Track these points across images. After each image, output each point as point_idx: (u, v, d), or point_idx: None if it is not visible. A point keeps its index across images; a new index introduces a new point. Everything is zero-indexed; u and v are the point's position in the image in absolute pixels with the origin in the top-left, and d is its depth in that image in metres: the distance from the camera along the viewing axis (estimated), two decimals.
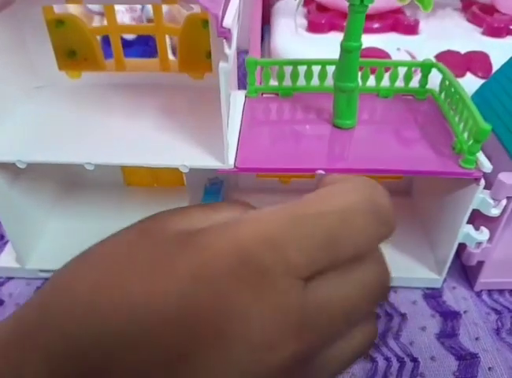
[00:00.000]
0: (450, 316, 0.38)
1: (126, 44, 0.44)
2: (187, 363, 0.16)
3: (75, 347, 0.16)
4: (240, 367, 0.16)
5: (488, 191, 0.34)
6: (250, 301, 0.16)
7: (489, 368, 0.34)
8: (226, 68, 0.28)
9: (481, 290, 0.40)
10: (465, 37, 0.53)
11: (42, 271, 0.41)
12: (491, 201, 0.34)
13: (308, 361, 0.17)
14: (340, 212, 0.17)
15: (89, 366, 0.16)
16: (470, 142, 0.32)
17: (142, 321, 0.16)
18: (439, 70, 0.39)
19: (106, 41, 0.43)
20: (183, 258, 0.17)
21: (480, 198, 0.34)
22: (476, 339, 0.36)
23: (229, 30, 0.27)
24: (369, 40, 0.43)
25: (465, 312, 0.38)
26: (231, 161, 0.34)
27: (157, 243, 0.19)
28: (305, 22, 0.54)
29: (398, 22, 0.52)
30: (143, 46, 0.71)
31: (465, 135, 0.34)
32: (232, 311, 0.16)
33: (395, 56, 0.50)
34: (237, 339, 0.16)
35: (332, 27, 0.52)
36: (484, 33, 0.53)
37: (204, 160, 0.34)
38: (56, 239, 0.43)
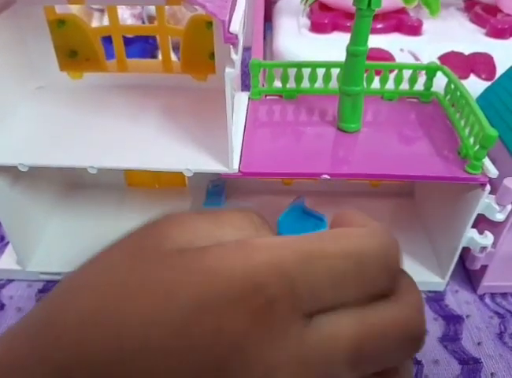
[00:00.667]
0: (452, 319, 0.38)
1: (125, 41, 0.43)
2: None
3: (89, 362, 0.16)
4: None
5: (493, 196, 0.34)
6: (249, 331, 0.15)
7: (492, 374, 0.34)
8: (232, 74, 0.28)
9: (484, 294, 0.40)
10: (469, 38, 0.53)
11: (42, 273, 0.41)
12: (497, 207, 0.34)
13: None
14: (355, 256, 0.17)
15: None
16: (476, 147, 0.32)
17: (136, 353, 0.15)
18: (445, 73, 0.38)
19: (106, 39, 0.43)
20: (188, 283, 0.16)
21: (486, 203, 0.34)
22: (479, 344, 0.36)
23: (236, 36, 0.26)
24: (372, 41, 0.42)
25: (467, 316, 0.38)
26: (235, 166, 0.33)
27: (155, 264, 0.17)
28: (308, 22, 0.54)
29: (402, 22, 0.52)
30: (143, 43, 0.71)
31: (471, 140, 0.34)
32: (235, 344, 0.15)
33: (398, 57, 0.49)
34: (238, 373, 0.15)
35: (335, 27, 0.52)
36: (487, 34, 0.53)
37: (208, 164, 0.34)
38: (57, 240, 0.43)
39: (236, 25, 0.27)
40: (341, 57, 0.35)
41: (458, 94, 0.37)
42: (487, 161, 0.33)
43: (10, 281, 0.41)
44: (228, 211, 0.21)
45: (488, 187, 0.33)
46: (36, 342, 0.17)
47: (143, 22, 0.71)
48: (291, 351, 0.15)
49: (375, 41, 0.48)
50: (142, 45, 0.70)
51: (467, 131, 0.35)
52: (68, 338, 0.16)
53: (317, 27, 0.52)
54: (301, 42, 0.51)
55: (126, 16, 0.70)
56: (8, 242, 0.43)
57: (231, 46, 0.27)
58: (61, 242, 0.43)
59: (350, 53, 0.33)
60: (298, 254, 0.16)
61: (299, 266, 0.16)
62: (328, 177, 0.33)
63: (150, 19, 0.71)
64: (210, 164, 0.34)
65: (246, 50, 0.55)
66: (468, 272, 0.42)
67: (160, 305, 0.16)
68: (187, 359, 0.15)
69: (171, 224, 0.19)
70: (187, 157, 0.34)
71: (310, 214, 0.45)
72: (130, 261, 0.18)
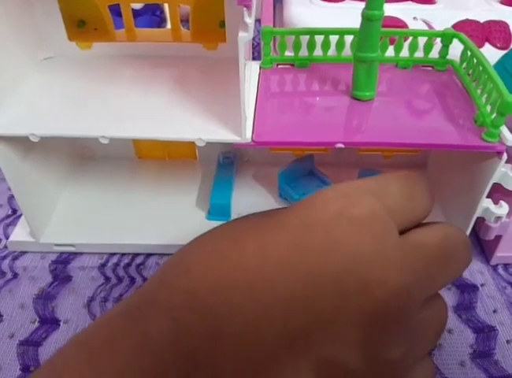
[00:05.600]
0: (466, 288, 0.38)
1: (132, 14, 0.42)
2: (302, 305, 0.16)
3: (199, 303, 0.17)
4: (353, 306, 0.16)
5: (510, 165, 0.33)
6: (362, 241, 0.17)
7: (507, 341, 0.34)
8: (246, 38, 0.28)
9: (497, 265, 0.40)
10: (484, 6, 0.51)
11: (56, 245, 0.41)
12: None
13: (410, 310, 0.18)
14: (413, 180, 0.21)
15: (214, 320, 0.16)
16: (494, 115, 0.32)
17: (257, 272, 0.16)
18: (461, 40, 0.37)
19: (114, 11, 0.42)
20: (291, 216, 0.18)
21: (502, 171, 0.33)
22: (494, 311, 0.36)
23: None
24: (385, 9, 0.42)
25: (481, 285, 0.38)
26: (248, 135, 0.33)
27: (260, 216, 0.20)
28: None
29: None
30: (150, 15, 0.70)
31: (488, 107, 0.33)
32: (346, 250, 0.17)
33: (412, 25, 0.48)
34: (351, 279, 0.16)
35: None
36: (502, 2, 0.51)
37: (220, 133, 0.33)
38: (69, 212, 0.43)
39: None
40: (353, 26, 0.34)
41: (475, 61, 0.36)
42: (504, 129, 0.33)
43: (24, 253, 0.41)
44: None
45: (505, 156, 0.32)
46: (167, 274, 0.20)
47: None
48: (397, 252, 0.17)
49: (388, 9, 0.47)
50: (149, 17, 0.69)
51: (484, 98, 0.34)
52: (198, 267, 0.18)
53: None
54: (312, 11, 0.50)
55: None
56: (20, 215, 0.43)
57: (244, 9, 0.27)
58: (74, 213, 0.43)
59: (366, 18, 0.32)
60: (377, 179, 0.20)
61: (380, 186, 0.19)
62: (343, 146, 0.33)
63: None
64: (223, 134, 0.33)
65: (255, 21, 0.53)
66: (481, 242, 0.42)
67: (269, 232, 0.17)
68: (304, 272, 0.16)
69: None
70: (199, 127, 0.34)
71: (316, 174, 0.45)
72: (244, 222, 0.21)
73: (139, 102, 0.36)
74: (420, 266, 0.18)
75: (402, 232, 0.19)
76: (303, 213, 0.18)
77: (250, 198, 0.45)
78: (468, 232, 0.38)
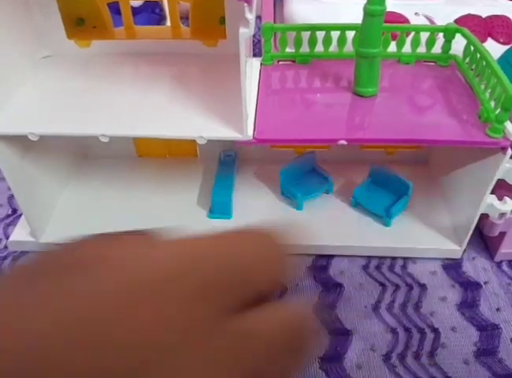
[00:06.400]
0: (470, 286, 0.38)
1: (132, 12, 0.42)
2: None
3: None
4: None
5: None
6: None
7: (511, 340, 0.34)
8: (247, 34, 0.27)
9: (501, 261, 0.40)
10: (486, 1, 0.51)
11: (57, 244, 0.40)
12: None
13: None
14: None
15: None
16: (498, 110, 0.31)
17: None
18: (464, 35, 0.37)
19: (113, 9, 0.42)
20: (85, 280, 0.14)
21: (506, 167, 0.33)
22: (497, 309, 0.36)
23: None
24: (386, 4, 0.41)
25: (485, 282, 0.38)
26: (249, 132, 0.33)
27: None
28: None
29: None
30: (150, 13, 0.69)
31: (492, 103, 0.33)
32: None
33: (413, 21, 0.48)
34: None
35: None
36: None
37: (222, 131, 0.33)
38: (69, 211, 0.43)
39: None
40: (355, 21, 0.34)
41: (478, 56, 0.35)
42: (509, 125, 0.32)
43: (24, 253, 0.41)
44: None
45: (510, 151, 0.32)
46: None
47: None
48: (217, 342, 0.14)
49: (389, 5, 0.47)
50: (148, 15, 0.68)
51: (488, 93, 0.34)
52: None
53: None
54: (313, 7, 0.49)
55: None
56: (20, 215, 0.43)
57: (245, 5, 0.26)
58: (74, 212, 0.43)
59: (368, 13, 0.32)
60: (203, 244, 0.16)
61: (202, 256, 0.16)
62: (345, 143, 0.32)
63: None
64: (224, 132, 0.33)
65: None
66: (484, 238, 0.41)
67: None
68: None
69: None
70: (200, 125, 0.33)
71: (318, 172, 0.45)
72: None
73: (139, 100, 0.36)
74: (249, 359, 0.15)
75: (247, 305, 0.16)
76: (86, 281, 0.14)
77: (251, 196, 0.44)
78: (471, 229, 0.37)
